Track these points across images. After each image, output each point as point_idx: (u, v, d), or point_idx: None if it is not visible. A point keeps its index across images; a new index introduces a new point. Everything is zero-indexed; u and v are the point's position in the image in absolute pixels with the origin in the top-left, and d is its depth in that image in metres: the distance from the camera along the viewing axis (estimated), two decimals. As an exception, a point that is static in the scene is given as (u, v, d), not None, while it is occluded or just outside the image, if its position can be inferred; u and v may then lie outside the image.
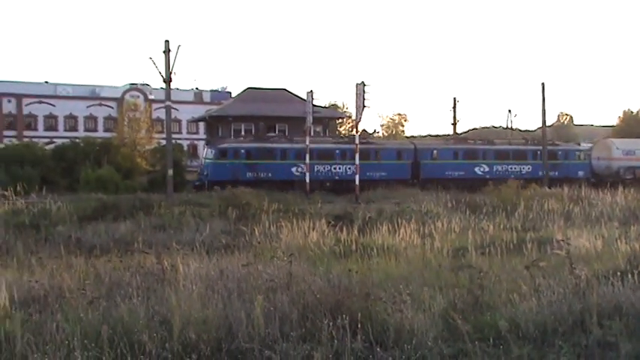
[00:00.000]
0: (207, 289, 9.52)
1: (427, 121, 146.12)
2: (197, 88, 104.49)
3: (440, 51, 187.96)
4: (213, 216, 22.86)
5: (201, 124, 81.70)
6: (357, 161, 43.31)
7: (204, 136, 75.86)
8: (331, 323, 7.87)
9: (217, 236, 17.36)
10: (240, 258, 12.93)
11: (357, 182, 42.30)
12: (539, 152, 54.45)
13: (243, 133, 57.71)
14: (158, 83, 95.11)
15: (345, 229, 16.66)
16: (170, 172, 37.06)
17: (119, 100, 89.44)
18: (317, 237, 15.67)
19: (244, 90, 65.42)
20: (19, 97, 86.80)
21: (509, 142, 57.22)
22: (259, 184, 43.53)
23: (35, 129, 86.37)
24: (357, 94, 42.12)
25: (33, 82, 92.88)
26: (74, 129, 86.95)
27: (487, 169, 53.03)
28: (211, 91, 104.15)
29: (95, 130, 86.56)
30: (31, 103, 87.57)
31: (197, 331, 7.89)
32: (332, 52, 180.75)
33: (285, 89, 65.95)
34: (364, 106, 42.03)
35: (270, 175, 46.92)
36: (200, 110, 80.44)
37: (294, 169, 48.29)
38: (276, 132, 59.20)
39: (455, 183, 48.02)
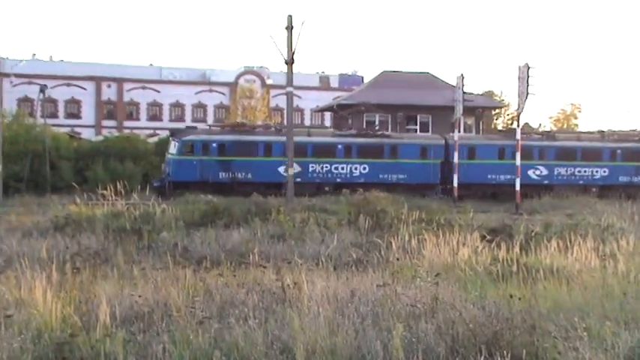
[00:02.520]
0: (336, 312, 9.61)
1: (608, 112, 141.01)
2: (323, 72, 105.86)
3: (626, 24, 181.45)
4: (342, 225, 23.04)
5: (328, 114, 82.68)
6: (519, 162, 42.54)
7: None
8: (488, 360, 7.78)
9: (346, 249, 17.47)
10: (375, 277, 12.96)
11: (517, 187, 41.57)
12: (619, 151, 50.15)
13: (377, 124, 57.94)
14: (277, 66, 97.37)
15: (503, 245, 16.38)
16: (291, 171, 37.69)
17: (232, 86, 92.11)
18: (468, 254, 15.50)
19: (379, 74, 65.69)
20: (119, 82, 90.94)
21: (578, 137, 52.52)
22: (235, 188, 42.51)
23: (137, 119, 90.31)
24: (519, 78, 41.43)
25: (135, 65, 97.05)
26: (181, 119, 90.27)
27: (545, 172, 49.53)
28: (340, 75, 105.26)
29: (204, 120, 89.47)
30: (133, 89, 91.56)
31: (324, 363, 8.00)
32: (486, 28, 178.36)
33: (428, 73, 65.76)
34: (528, 94, 41.23)
35: (250, 175, 45.36)
36: (326, 98, 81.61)
37: (282, 169, 45.39)
38: (417, 123, 59.09)
39: (500, 190, 45.67)
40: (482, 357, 7.85)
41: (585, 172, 50.18)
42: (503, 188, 46.64)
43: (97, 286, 11.51)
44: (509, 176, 47.42)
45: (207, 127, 53.45)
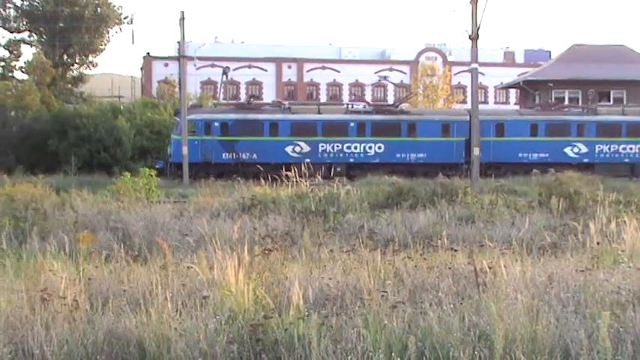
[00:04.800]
0: (534, 298, 9.35)
1: None
2: (507, 47, 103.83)
3: None
4: (532, 207, 22.52)
5: (512, 92, 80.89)
6: None
7: (515, 107, 75.17)
8: None
9: (539, 232, 17.04)
10: (573, 261, 12.55)
11: None
12: None
13: (567, 102, 56.21)
14: (459, 42, 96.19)
15: None
16: (476, 151, 37.21)
17: (412, 64, 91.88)
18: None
19: (569, 47, 63.78)
20: (299, 63, 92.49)
21: (623, 111, 48.17)
22: (240, 169, 41.64)
23: (317, 99, 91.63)
24: None
25: (315, 45, 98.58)
26: (361, 99, 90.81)
27: (585, 149, 46.10)
28: (525, 50, 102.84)
29: (384, 99, 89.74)
30: (312, 69, 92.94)
31: (525, 351, 7.79)
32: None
33: (623, 45, 63.24)
34: None
35: (255, 156, 43.93)
36: (511, 74, 79.90)
37: (289, 149, 45.20)
38: (610, 100, 56.89)
39: (532, 169, 42.55)
40: None
41: (632, 149, 46.92)
42: (536, 167, 43.79)
43: (286, 268, 11.71)
44: (544, 155, 45.61)
45: (212, 106, 53.00)
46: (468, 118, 47.03)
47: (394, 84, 71.77)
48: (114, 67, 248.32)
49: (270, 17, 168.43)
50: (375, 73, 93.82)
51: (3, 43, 77.26)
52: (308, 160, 43.09)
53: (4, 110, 54.88)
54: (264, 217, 19.55)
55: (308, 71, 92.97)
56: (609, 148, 46.81)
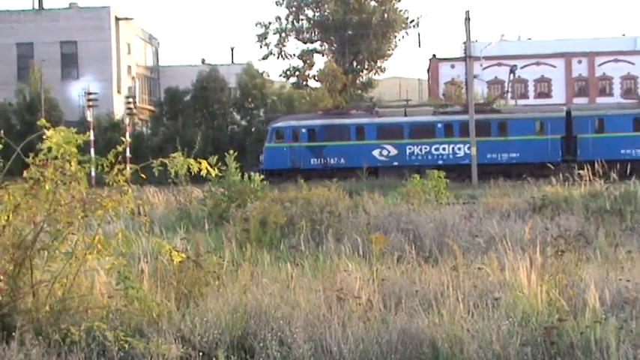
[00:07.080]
0: None
1: None
2: None
3: None
4: None
5: None
6: None
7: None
8: None
9: None
10: None
11: None
12: None
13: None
14: None
15: None
16: None
17: None
18: None
19: None
20: (590, 56, 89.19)
21: None
22: (328, 174, 40.13)
23: (610, 94, 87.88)
24: None
25: (607, 37, 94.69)
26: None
27: None
28: None
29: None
30: (604, 63, 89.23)
31: None
32: None
33: None
34: None
35: (343, 161, 44.22)
36: None
37: (376, 152, 44.47)
38: None
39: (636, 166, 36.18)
40: None
41: None
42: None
43: (580, 269, 11.38)
44: None
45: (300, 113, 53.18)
46: (563, 114, 45.89)
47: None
48: (401, 71, 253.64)
49: (557, 11, 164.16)
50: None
51: (297, 54, 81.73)
52: (396, 163, 44.96)
53: (300, 118, 57.93)
54: (556, 217, 19.08)
55: (600, 65, 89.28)
56: None
